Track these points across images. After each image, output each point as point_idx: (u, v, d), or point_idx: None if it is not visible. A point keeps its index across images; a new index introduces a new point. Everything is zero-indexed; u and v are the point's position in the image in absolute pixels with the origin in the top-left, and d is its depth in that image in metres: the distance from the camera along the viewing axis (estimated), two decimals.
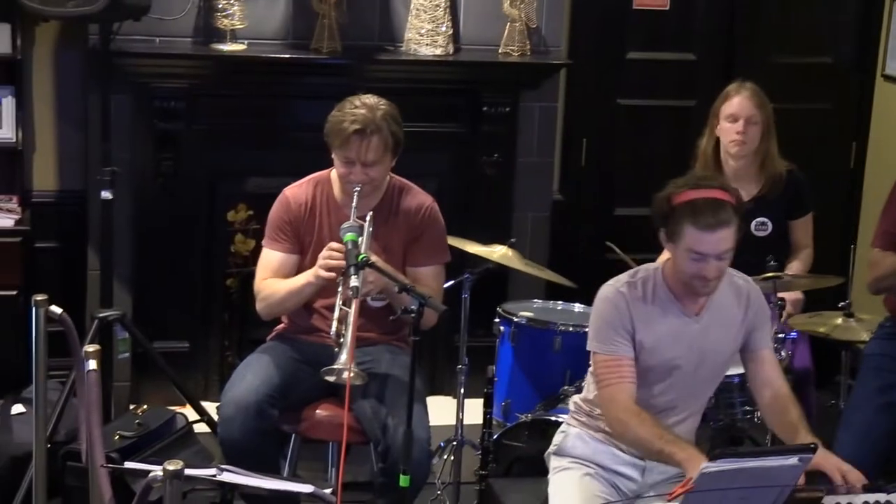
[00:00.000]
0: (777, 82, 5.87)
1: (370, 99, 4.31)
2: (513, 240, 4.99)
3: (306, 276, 4.27)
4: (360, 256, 3.97)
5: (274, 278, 4.37)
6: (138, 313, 5.65)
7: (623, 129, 6.43)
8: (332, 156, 4.31)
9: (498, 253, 4.87)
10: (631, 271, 3.86)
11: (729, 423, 4.54)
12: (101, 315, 5.09)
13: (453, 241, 4.82)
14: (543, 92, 6.01)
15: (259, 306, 4.42)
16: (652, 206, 3.75)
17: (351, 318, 3.99)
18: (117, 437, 4.75)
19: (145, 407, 5.07)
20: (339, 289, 4.13)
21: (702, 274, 3.65)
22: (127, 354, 5.37)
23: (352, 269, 3.94)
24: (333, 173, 4.40)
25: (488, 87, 5.86)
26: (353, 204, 4.22)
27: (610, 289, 3.79)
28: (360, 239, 4.09)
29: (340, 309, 4.10)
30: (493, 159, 5.93)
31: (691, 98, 6.36)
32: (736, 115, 4.99)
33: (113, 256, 5.25)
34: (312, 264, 4.24)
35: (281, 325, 4.56)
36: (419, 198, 4.45)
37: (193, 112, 5.61)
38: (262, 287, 4.39)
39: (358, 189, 4.23)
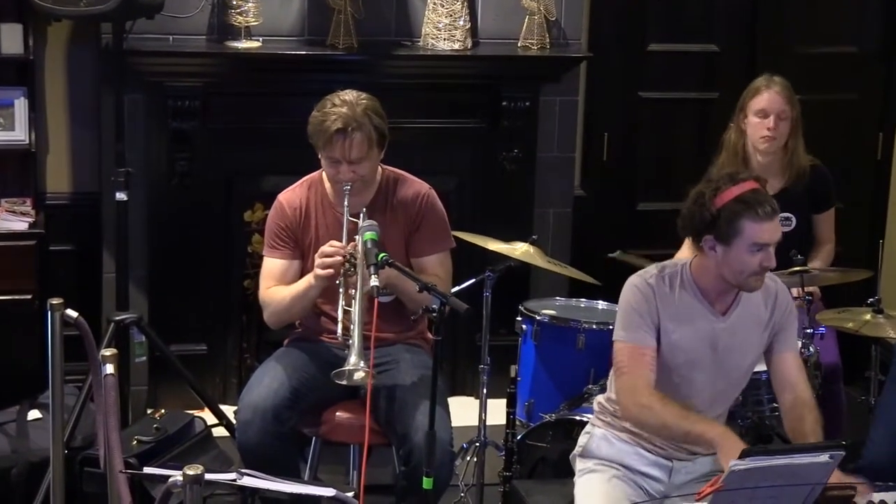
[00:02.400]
0: (801, 72, 5.85)
1: (349, 95, 4.29)
2: (534, 236, 4.97)
3: (307, 280, 4.27)
4: (381, 256, 3.97)
5: (277, 286, 4.37)
6: (155, 316, 5.66)
7: (645, 122, 6.42)
8: (319, 157, 4.30)
9: (519, 250, 4.85)
10: (659, 265, 3.85)
11: (757, 420, 4.52)
12: (117, 318, 5.10)
13: (473, 239, 4.81)
14: (564, 86, 6.00)
15: (266, 316, 4.42)
16: (685, 216, 3.73)
17: (356, 318, 3.99)
18: (135, 442, 4.76)
19: (163, 411, 5.10)
20: (341, 290, 4.14)
21: (764, 265, 3.65)
22: (144, 358, 5.38)
23: (372, 269, 3.94)
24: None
25: (508, 81, 5.85)
26: (345, 203, 4.22)
27: (638, 279, 3.79)
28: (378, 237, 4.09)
29: (344, 310, 4.10)
30: (514, 155, 5.92)
31: (714, 90, 6.34)
32: (766, 111, 4.98)
33: (128, 258, 5.26)
34: (314, 266, 4.24)
35: (297, 329, 4.56)
36: (415, 187, 4.44)
37: (208, 111, 5.61)
38: (266, 296, 4.39)
39: (348, 188, 4.23)
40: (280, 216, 4.41)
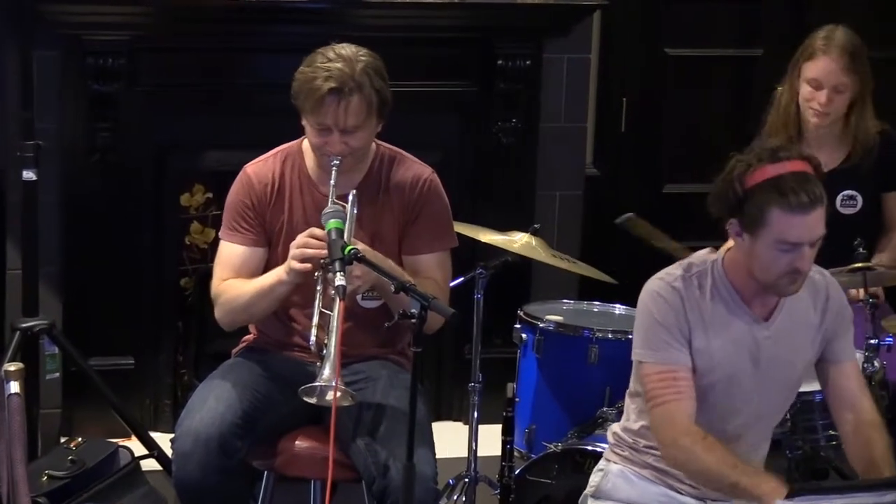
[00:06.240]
0: (860, 24, 5.84)
1: (347, 49, 4.27)
2: (536, 226, 4.97)
3: (277, 274, 4.25)
4: (348, 249, 3.95)
5: (237, 278, 4.36)
6: (70, 323, 5.65)
7: (672, 85, 6.44)
8: (303, 122, 4.29)
9: (518, 242, 4.86)
10: (683, 263, 3.83)
11: (809, 451, 4.53)
12: (23, 325, 5.09)
13: (462, 229, 4.80)
14: (573, 41, 6.01)
15: (219, 314, 4.40)
16: (715, 191, 3.69)
17: (334, 325, 3.98)
18: (45, 477, 4.77)
19: (80, 440, 5.09)
20: (318, 288, 4.12)
21: (795, 267, 3.61)
22: (57, 374, 5.38)
23: (337, 265, 3.92)
24: (305, 143, 4.38)
25: (504, 35, 5.86)
26: (332, 181, 4.21)
27: (660, 283, 3.76)
28: (346, 226, 4.08)
29: (321, 313, 4.09)
30: (511, 125, 5.92)
31: (757, 46, 6.36)
32: (819, 82, 4.94)
33: (38, 252, 5.25)
34: (284, 258, 4.21)
35: (250, 336, 4.55)
36: (415, 169, 4.44)
37: (136, 71, 5.61)
38: (221, 290, 4.37)
39: (336, 163, 4.22)
40: (246, 191, 4.38)
